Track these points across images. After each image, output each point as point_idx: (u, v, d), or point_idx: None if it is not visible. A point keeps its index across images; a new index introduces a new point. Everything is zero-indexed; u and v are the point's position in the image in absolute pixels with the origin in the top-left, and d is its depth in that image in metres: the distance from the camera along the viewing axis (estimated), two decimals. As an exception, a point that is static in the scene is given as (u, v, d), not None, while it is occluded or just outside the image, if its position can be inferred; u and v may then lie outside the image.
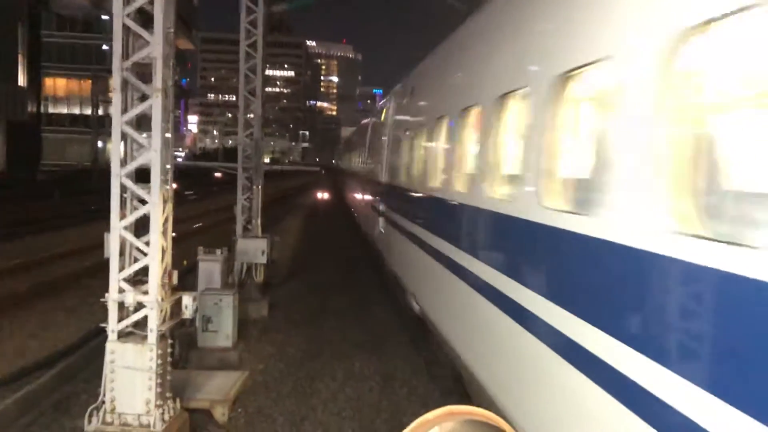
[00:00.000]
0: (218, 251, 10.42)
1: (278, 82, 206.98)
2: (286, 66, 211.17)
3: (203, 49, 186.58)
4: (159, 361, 6.21)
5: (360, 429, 7.35)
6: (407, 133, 11.14)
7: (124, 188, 6.30)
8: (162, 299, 6.23)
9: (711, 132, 2.91)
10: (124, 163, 6.32)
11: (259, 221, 13.05)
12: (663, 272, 2.98)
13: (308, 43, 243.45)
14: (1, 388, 7.58)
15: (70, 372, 8.42)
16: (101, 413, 6.21)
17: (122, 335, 6.27)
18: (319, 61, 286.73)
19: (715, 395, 2.55)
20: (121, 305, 6.24)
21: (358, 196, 22.72)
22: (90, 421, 6.18)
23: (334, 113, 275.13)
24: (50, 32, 69.48)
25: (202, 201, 38.12)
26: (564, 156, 4.39)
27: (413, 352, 10.02)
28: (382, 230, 13.67)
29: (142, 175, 6.36)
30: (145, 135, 6.30)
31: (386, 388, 8.58)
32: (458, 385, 7.52)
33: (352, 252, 20.15)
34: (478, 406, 2.07)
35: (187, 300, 6.63)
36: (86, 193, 36.67)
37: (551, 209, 4.19)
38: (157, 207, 6.20)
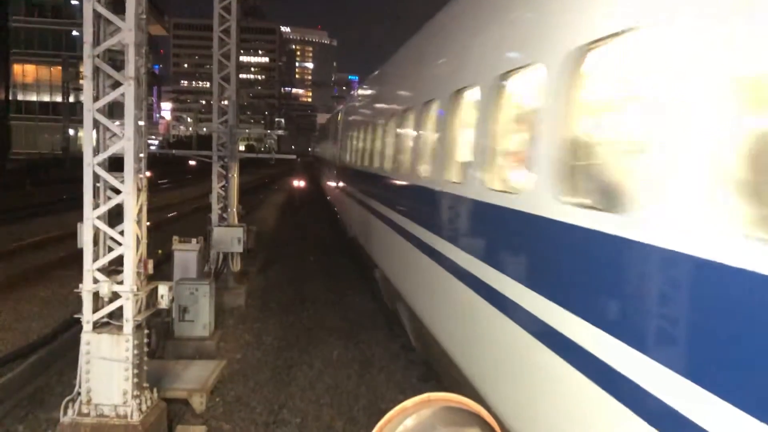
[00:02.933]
0: (194, 240, 10.34)
1: (252, 69, 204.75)
2: (260, 52, 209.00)
3: (176, 35, 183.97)
4: (135, 351, 6.17)
5: (338, 416, 7.38)
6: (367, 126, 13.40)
7: (97, 177, 6.21)
8: (137, 289, 6.18)
9: None
10: (96, 151, 6.22)
11: (234, 210, 12.96)
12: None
13: (282, 28, 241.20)
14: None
15: (45, 363, 8.33)
16: (77, 404, 6.15)
17: (97, 326, 6.21)
18: (293, 47, 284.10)
19: (687, 377, 2.59)
20: (96, 295, 6.17)
21: (335, 183, 22.77)
22: (66, 413, 6.12)
23: (310, 100, 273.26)
24: (19, 17, 67.99)
25: (176, 189, 37.75)
26: None
27: (390, 338, 10.07)
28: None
29: (115, 164, 6.28)
30: (117, 123, 6.21)
31: (364, 375, 8.62)
32: (436, 371, 7.58)
33: (327, 239, 20.13)
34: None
35: (162, 290, 6.59)
36: (58, 182, 36.10)
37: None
38: (131, 196, 6.13)
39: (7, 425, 6.84)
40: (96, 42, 6.10)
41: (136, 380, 6.18)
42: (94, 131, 6.27)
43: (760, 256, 2.24)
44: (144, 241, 6.40)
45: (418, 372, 8.61)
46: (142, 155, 6.29)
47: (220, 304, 10.50)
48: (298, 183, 40.11)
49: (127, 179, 6.13)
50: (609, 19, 3.33)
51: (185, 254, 10.15)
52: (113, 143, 6.24)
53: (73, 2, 64.88)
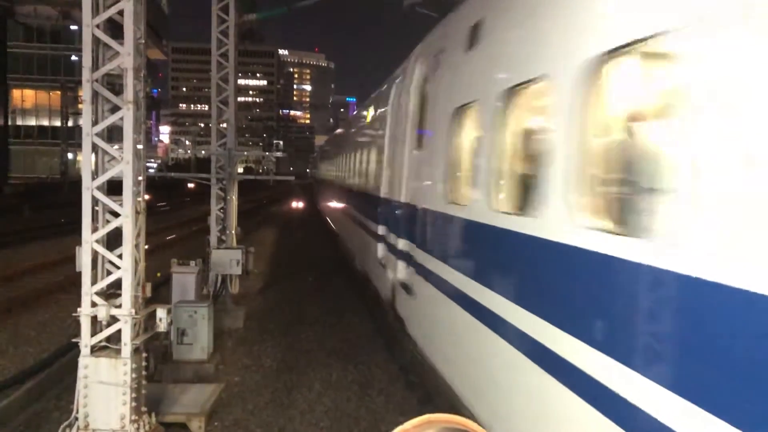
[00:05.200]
0: (192, 263, 10.33)
1: (251, 92, 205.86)
2: (258, 75, 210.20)
3: (174, 58, 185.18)
4: (133, 375, 6.13)
5: (338, 439, 7.32)
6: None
7: (95, 201, 6.23)
8: (136, 312, 6.16)
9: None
10: (95, 175, 6.24)
11: (233, 231, 12.96)
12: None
13: (280, 51, 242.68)
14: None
15: (42, 388, 8.27)
16: (74, 430, 6.11)
17: (95, 350, 6.18)
18: (291, 69, 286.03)
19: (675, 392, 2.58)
20: (94, 319, 6.15)
21: (334, 203, 22.88)
22: (63, 438, 6.08)
23: (308, 122, 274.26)
24: (17, 43, 68.37)
25: (175, 212, 37.75)
26: None
27: (389, 359, 10.01)
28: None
29: (113, 187, 6.30)
30: (116, 146, 6.24)
31: (363, 397, 8.56)
32: (436, 392, 7.53)
33: (325, 260, 20.09)
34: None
35: (161, 313, 6.57)
36: (57, 206, 36.09)
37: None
38: (130, 219, 6.13)
39: (4, 451, 6.78)
40: (95, 66, 6.15)
41: (134, 404, 6.14)
42: (93, 155, 6.29)
43: None
44: (142, 264, 6.40)
45: (419, 394, 8.55)
46: (140, 178, 6.31)
47: (218, 327, 10.45)
48: (297, 204, 40.18)
49: (125, 202, 6.14)
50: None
51: (184, 277, 10.14)
52: (112, 167, 6.26)
53: (71, 27, 65.31)
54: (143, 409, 6.36)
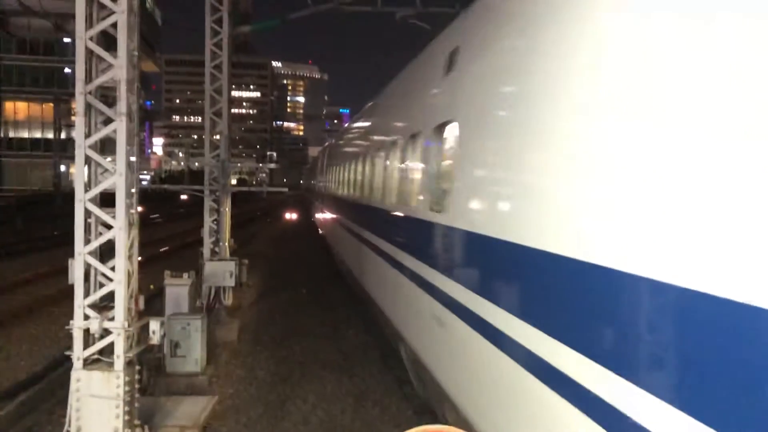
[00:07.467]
0: (185, 275, 10.30)
1: (244, 103, 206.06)
2: (252, 87, 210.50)
3: (168, 71, 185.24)
4: (126, 388, 6.10)
5: (333, 451, 7.28)
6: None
7: (88, 213, 6.21)
8: (129, 325, 6.14)
9: None
10: (88, 187, 6.23)
11: (227, 244, 12.93)
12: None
13: (274, 63, 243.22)
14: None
15: (34, 402, 8.20)
16: (67, 444, 6.06)
17: (88, 363, 6.15)
18: (285, 81, 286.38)
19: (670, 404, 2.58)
20: (87, 332, 6.12)
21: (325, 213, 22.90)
22: (55, 453, 6.03)
23: (301, 133, 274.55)
24: (10, 55, 68.34)
25: (168, 224, 37.64)
26: None
27: (384, 371, 9.99)
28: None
29: (106, 199, 6.29)
30: (109, 159, 6.24)
31: (359, 409, 8.53)
32: (432, 403, 7.51)
33: (318, 271, 20.07)
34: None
35: (154, 325, 6.56)
36: (49, 218, 35.94)
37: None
38: (123, 231, 6.12)
39: (-5, 466, 6.72)
40: (88, 79, 6.16)
41: (127, 418, 6.11)
42: (86, 167, 6.29)
43: None
44: (135, 277, 6.38)
45: (414, 405, 8.53)
46: (133, 190, 6.31)
47: (212, 339, 10.41)
48: (290, 216, 40.13)
49: (118, 215, 6.13)
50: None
51: (177, 289, 10.11)
52: (105, 179, 6.25)
53: (65, 40, 65.31)
54: (136, 422, 6.32)
